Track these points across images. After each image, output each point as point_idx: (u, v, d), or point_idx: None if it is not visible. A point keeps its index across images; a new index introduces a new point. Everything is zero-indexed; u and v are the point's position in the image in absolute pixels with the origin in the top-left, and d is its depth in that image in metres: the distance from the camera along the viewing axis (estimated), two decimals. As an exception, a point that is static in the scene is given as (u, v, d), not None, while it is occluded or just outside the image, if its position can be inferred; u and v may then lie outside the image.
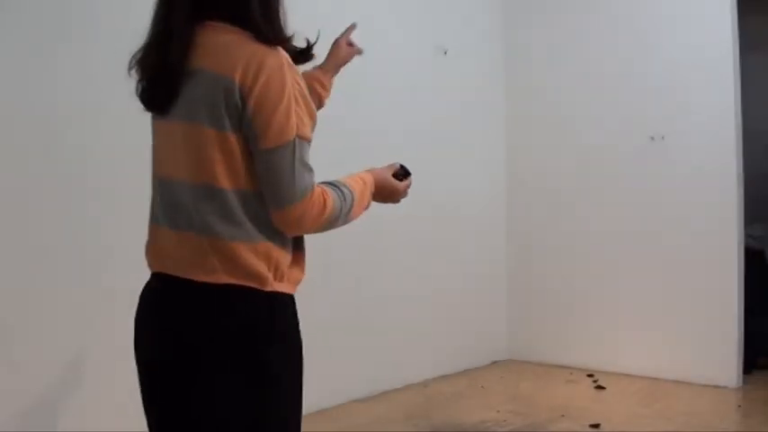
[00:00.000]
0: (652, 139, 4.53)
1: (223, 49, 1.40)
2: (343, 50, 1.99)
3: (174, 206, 1.44)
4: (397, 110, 4.45)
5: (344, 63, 2.00)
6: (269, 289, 1.43)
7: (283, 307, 1.48)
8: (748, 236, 4.52)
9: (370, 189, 1.61)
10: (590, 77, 4.80)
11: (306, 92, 1.44)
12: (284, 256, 1.47)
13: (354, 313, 4.17)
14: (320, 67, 1.92)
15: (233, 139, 1.39)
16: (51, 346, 2.99)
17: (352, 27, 2.05)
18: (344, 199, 1.50)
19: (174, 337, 1.42)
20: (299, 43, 1.54)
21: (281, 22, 1.47)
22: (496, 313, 5.17)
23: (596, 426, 3.63)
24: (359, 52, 2.03)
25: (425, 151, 4.62)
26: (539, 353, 5.04)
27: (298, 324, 1.53)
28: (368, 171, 1.65)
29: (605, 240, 4.75)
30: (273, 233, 1.44)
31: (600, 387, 4.38)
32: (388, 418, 3.84)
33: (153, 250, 1.50)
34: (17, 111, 2.93)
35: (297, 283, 1.52)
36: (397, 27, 4.49)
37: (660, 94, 4.50)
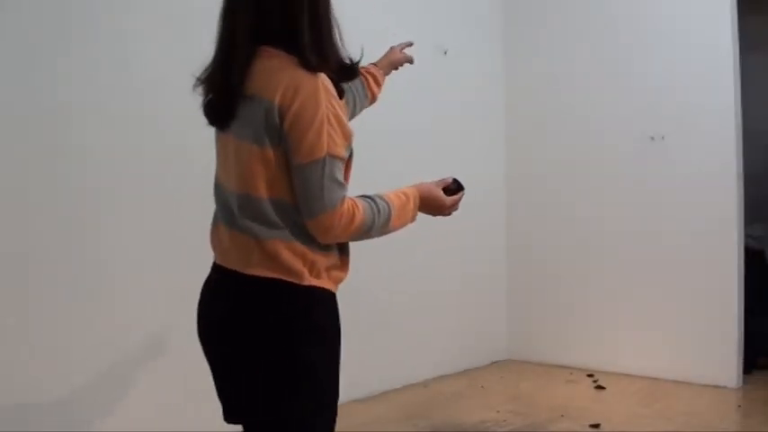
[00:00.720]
0: (652, 139, 4.53)
1: (268, 73, 1.56)
2: (398, 54, 2.34)
3: (226, 208, 1.65)
4: (397, 110, 4.45)
5: (397, 65, 2.34)
6: (306, 283, 1.59)
7: (321, 301, 1.64)
8: (748, 236, 4.52)
9: (413, 202, 1.74)
10: (590, 77, 4.81)
11: (341, 114, 1.57)
12: (322, 258, 1.62)
13: (354, 313, 4.15)
14: (375, 63, 2.21)
15: (271, 154, 1.55)
16: (51, 346, 2.99)
17: (409, 43, 2.47)
18: (378, 211, 1.64)
19: (221, 321, 1.64)
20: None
21: (334, 48, 1.65)
22: (496, 313, 5.18)
23: (596, 426, 3.63)
24: (410, 60, 2.38)
25: (425, 151, 4.63)
26: (539, 353, 5.04)
27: (337, 319, 1.72)
28: (415, 185, 1.78)
29: (605, 240, 4.75)
30: (310, 239, 1.59)
31: (600, 387, 4.38)
32: (388, 418, 3.84)
33: (214, 244, 1.71)
34: (18, 111, 2.93)
35: (338, 281, 1.69)
36: (397, 27, 4.48)
37: (660, 94, 4.50)
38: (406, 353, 4.47)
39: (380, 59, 2.22)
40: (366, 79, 2.14)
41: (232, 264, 1.63)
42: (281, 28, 1.59)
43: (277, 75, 1.55)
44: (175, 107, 2.80)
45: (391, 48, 2.29)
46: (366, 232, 1.63)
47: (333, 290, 1.68)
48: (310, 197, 1.54)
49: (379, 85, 2.18)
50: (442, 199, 1.79)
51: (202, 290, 1.74)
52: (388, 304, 4.36)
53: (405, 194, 1.73)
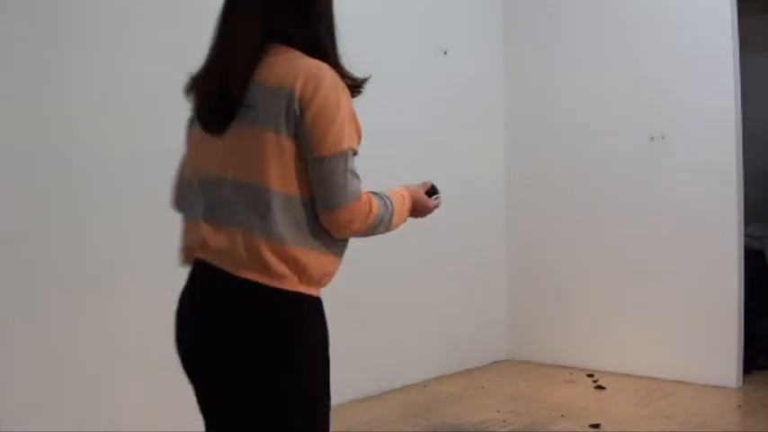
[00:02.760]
0: (652, 139, 4.53)
1: (283, 62, 1.51)
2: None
3: (218, 205, 1.54)
4: (397, 110, 4.45)
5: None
6: (299, 290, 1.53)
7: (314, 309, 1.58)
8: (748, 236, 4.53)
9: (408, 204, 1.73)
10: (590, 77, 4.81)
11: (355, 113, 1.58)
12: (316, 263, 1.56)
13: (354, 313, 4.17)
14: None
15: (288, 144, 1.49)
16: (52, 345, 2.99)
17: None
18: (387, 208, 1.63)
19: (209, 327, 1.54)
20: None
21: (336, 49, 1.64)
22: (496, 313, 5.17)
23: (596, 426, 3.63)
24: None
25: (425, 151, 4.62)
26: (539, 353, 5.04)
27: (327, 327, 1.62)
28: (405, 187, 1.77)
29: (605, 240, 4.75)
30: (314, 236, 1.54)
31: (600, 387, 4.38)
32: (388, 418, 3.84)
33: (192, 243, 1.60)
34: (21, 112, 2.93)
35: (321, 286, 1.62)
36: (397, 27, 4.49)
37: (660, 94, 4.50)
38: (406, 353, 4.47)
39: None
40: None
41: (224, 264, 1.52)
42: (290, 27, 1.56)
43: (295, 63, 1.51)
44: (177, 106, 2.79)
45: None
46: (376, 227, 1.62)
47: (319, 296, 1.61)
48: (332, 190, 1.50)
49: None
50: (428, 202, 1.81)
51: (183, 298, 1.63)
52: (388, 304, 4.36)
53: (401, 195, 1.72)
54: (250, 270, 1.49)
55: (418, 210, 1.79)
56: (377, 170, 4.56)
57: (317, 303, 1.59)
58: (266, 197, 1.49)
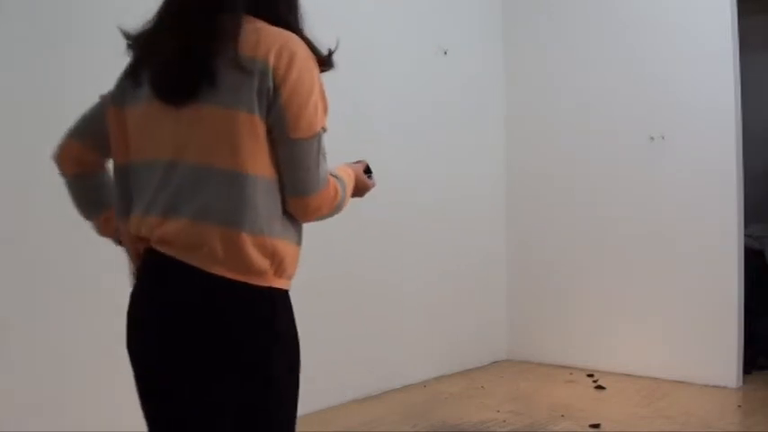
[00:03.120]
0: (652, 139, 4.53)
1: (253, 33, 1.39)
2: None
3: (179, 193, 1.39)
4: (397, 110, 4.45)
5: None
6: (271, 285, 1.42)
7: (285, 305, 1.48)
8: (748, 236, 4.53)
9: (353, 183, 1.64)
10: (590, 77, 4.80)
11: (324, 87, 1.46)
12: (292, 251, 1.47)
13: (354, 313, 4.17)
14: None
15: (260, 121, 1.37)
16: (51, 346, 2.99)
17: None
18: (343, 190, 1.54)
19: (170, 329, 1.41)
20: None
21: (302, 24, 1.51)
22: (496, 313, 5.17)
23: (596, 426, 3.63)
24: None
25: (425, 151, 4.63)
26: (539, 353, 5.04)
27: (294, 319, 1.51)
28: (347, 165, 1.68)
29: (605, 240, 4.75)
30: (285, 225, 1.45)
31: (600, 387, 4.38)
32: (388, 418, 3.83)
33: (144, 235, 1.44)
34: (21, 112, 2.93)
35: (291, 278, 1.51)
36: (397, 27, 4.49)
37: (660, 94, 4.50)
38: (406, 353, 4.47)
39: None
40: None
41: (192, 259, 1.38)
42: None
43: (265, 34, 1.39)
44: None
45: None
46: (337, 209, 1.53)
47: (288, 289, 1.49)
48: (305, 174, 1.41)
49: None
50: (367, 182, 1.72)
51: (138, 296, 1.48)
52: (388, 304, 4.36)
53: (348, 174, 1.61)
54: (226, 266, 1.37)
55: (359, 189, 1.70)
56: (377, 170, 4.56)
57: (286, 297, 1.48)
58: (241, 183, 1.37)
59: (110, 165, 1.62)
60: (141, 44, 1.48)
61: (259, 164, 1.38)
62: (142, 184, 1.45)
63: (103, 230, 1.69)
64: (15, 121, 2.93)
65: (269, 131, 1.39)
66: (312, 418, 3.79)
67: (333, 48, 1.53)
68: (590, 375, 4.61)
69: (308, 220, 1.49)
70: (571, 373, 4.70)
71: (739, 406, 3.97)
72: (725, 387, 4.23)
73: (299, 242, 1.51)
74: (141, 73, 1.45)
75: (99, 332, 3.10)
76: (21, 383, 2.90)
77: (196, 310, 1.38)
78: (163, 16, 1.46)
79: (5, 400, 2.83)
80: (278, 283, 1.44)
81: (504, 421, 3.77)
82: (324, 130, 1.45)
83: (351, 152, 4.49)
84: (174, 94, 1.39)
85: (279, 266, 1.43)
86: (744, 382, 4.28)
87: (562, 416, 3.83)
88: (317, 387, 3.92)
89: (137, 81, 1.46)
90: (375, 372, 4.28)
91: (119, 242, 1.61)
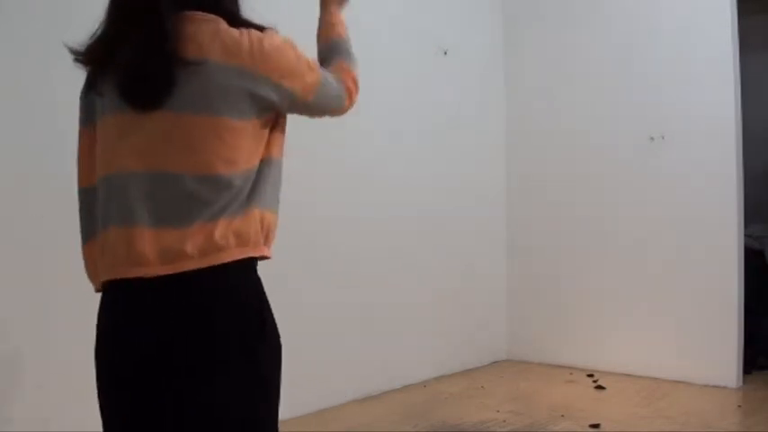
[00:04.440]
0: (652, 139, 4.53)
1: (214, 36, 1.35)
2: None
3: (152, 202, 1.35)
4: (397, 110, 4.45)
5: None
6: (256, 254, 1.41)
7: (260, 289, 1.44)
8: (748, 236, 4.53)
9: (340, 19, 1.83)
10: (590, 77, 4.81)
11: (278, 38, 1.44)
12: (273, 219, 1.47)
13: (354, 313, 4.17)
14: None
15: (240, 123, 1.36)
16: (51, 345, 2.99)
17: None
18: (349, 51, 1.74)
19: (162, 347, 1.37)
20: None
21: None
22: (496, 313, 5.18)
23: (596, 426, 3.63)
24: None
25: (425, 151, 4.63)
26: (539, 353, 5.04)
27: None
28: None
29: (605, 240, 4.75)
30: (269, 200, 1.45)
31: (600, 387, 4.38)
32: (388, 419, 3.83)
33: (112, 258, 1.39)
34: (21, 111, 2.93)
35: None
36: (397, 27, 4.49)
37: (660, 94, 4.50)
38: (406, 353, 4.47)
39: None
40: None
41: (175, 266, 1.33)
42: None
43: (226, 37, 1.35)
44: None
45: None
46: (354, 65, 1.71)
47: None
48: (333, 105, 1.58)
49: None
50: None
51: (108, 317, 1.46)
52: (388, 304, 4.36)
53: (339, 19, 1.82)
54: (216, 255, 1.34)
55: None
56: (377, 170, 4.57)
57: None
58: (220, 182, 1.34)
59: None
60: (95, 56, 1.43)
61: (239, 162, 1.37)
62: (114, 199, 1.38)
63: None
64: (15, 121, 2.93)
65: (268, 119, 1.43)
66: (312, 418, 3.79)
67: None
68: (590, 375, 4.61)
69: (351, 107, 1.67)
70: (571, 373, 4.70)
71: (739, 406, 3.97)
72: (725, 387, 4.23)
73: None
74: (102, 84, 1.41)
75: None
76: (21, 383, 2.90)
77: (201, 318, 1.36)
78: (110, 23, 1.42)
79: (6, 399, 2.83)
80: (257, 252, 1.41)
81: (504, 421, 3.77)
82: (314, 61, 1.53)
83: (350, 152, 4.50)
84: (145, 99, 1.35)
85: (266, 237, 1.44)
86: (744, 382, 4.28)
87: (562, 416, 3.83)
88: (317, 387, 3.93)
89: (99, 93, 1.42)
90: (375, 372, 4.28)
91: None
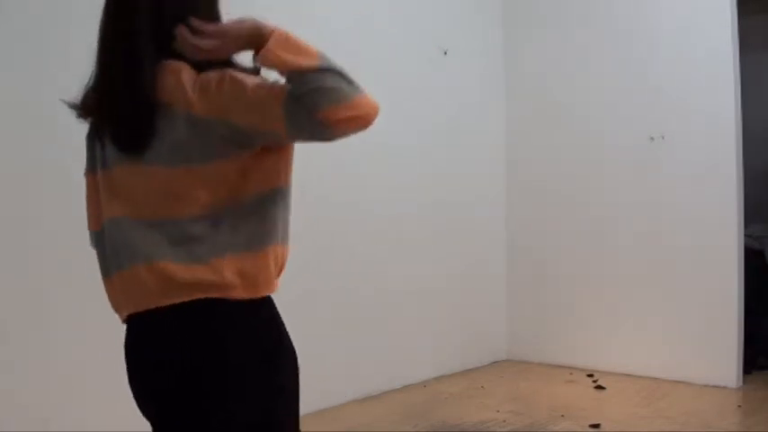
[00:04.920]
0: (652, 139, 4.53)
1: (176, 82, 1.36)
2: None
3: (151, 243, 1.39)
4: (397, 110, 4.45)
5: None
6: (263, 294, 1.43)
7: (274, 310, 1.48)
8: (748, 236, 4.52)
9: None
10: (590, 78, 4.81)
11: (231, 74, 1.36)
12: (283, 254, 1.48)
13: (354, 313, 4.17)
14: None
15: (222, 166, 1.36)
16: (52, 345, 2.99)
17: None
18: (344, 72, 1.32)
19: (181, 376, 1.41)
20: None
21: None
22: (496, 313, 5.18)
23: (596, 426, 3.63)
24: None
25: (425, 151, 4.63)
26: (539, 353, 5.04)
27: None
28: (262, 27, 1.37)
29: (605, 240, 4.75)
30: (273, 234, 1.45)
31: (600, 387, 4.38)
32: (388, 419, 3.84)
33: (127, 296, 1.45)
34: (21, 111, 2.93)
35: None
36: (397, 27, 4.49)
37: (660, 94, 4.50)
38: (406, 353, 4.47)
39: None
40: None
41: (184, 296, 1.37)
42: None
43: (183, 82, 1.35)
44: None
45: None
46: (349, 91, 1.30)
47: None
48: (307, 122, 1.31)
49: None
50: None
51: (133, 349, 1.47)
52: (388, 304, 4.36)
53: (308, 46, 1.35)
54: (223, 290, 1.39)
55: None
56: (377, 170, 4.57)
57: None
58: (218, 222, 1.38)
59: None
60: (92, 108, 1.46)
61: (225, 199, 1.39)
62: (122, 241, 1.43)
63: None
64: (16, 122, 2.93)
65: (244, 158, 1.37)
66: (312, 417, 3.79)
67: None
68: (590, 375, 4.61)
69: (338, 130, 1.32)
70: (571, 373, 4.70)
71: (739, 406, 3.97)
72: (725, 387, 4.23)
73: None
74: (102, 136, 1.45)
75: (100, 332, 3.11)
76: (21, 383, 2.90)
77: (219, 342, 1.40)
78: (97, 73, 1.45)
79: (6, 399, 2.83)
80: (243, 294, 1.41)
81: (504, 421, 3.78)
82: (281, 86, 1.32)
83: (350, 152, 4.51)
84: (132, 148, 1.39)
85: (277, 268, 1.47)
86: (744, 382, 4.28)
87: (562, 416, 3.83)
88: (317, 387, 3.93)
89: (101, 143, 1.46)
90: (375, 372, 4.28)
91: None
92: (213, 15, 1.45)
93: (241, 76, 1.34)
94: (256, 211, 1.42)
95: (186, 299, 1.37)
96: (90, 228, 1.57)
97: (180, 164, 1.36)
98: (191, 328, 1.38)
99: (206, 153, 1.36)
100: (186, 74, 1.36)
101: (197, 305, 1.37)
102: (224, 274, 1.38)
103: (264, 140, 1.37)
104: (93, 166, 1.51)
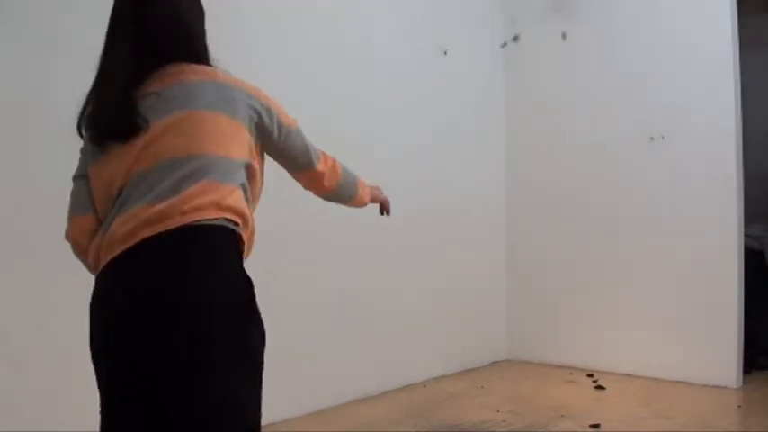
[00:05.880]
0: (652, 139, 4.53)
1: (205, 69, 1.70)
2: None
3: (169, 179, 1.59)
4: (397, 110, 4.45)
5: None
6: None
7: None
8: (748, 236, 4.52)
9: (367, 187, 2.15)
10: (590, 78, 4.81)
11: None
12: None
13: (354, 314, 4.17)
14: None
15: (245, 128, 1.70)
16: (51, 345, 2.99)
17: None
18: (347, 171, 2.05)
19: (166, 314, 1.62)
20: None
21: None
22: (496, 313, 5.18)
23: (596, 426, 3.63)
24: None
25: (425, 151, 4.63)
26: (539, 353, 5.04)
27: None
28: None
29: (605, 240, 4.75)
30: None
31: (600, 387, 4.38)
32: (388, 418, 3.83)
33: (124, 232, 1.60)
34: (21, 111, 2.93)
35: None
36: (397, 27, 4.49)
37: (660, 94, 4.50)
38: (406, 353, 4.48)
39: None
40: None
41: (180, 221, 1.56)
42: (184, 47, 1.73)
43: (216, 72, 1.70)
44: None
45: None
46: (346, 184, 2.05)
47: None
48: (307, 151, 1.94)
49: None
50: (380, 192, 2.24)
51: (110, 294, 1.64)
52: (388, 304, 4.36)
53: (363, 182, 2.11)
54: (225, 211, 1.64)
55: (375, 195, 2.18)
56: (377, 170, 4.57)
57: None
58: (233, 165, 1.66)
59: None
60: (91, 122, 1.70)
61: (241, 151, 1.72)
62: (143, 184, 1.63)
63: None
64: (16, 122, 2.93)
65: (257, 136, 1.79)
66: (312, 418, 3.79)
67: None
68: (590, 375, 4.61)
69: (320, 185, 2.08)
70: (571, 373, 4.70)
71: (739, 406, 3.97)
72: (725, 387, 4.23)
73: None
74: (105, 142, 1.66)
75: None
76: (22, 384, 2.90)
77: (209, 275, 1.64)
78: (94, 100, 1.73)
79: (6, 399, 2.83)
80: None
81: (504, 421, 3.77)
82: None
83: (349, 152, 4.50)
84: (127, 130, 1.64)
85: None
86: (744, 382, 4.28)
87: (562, 416, 3.83)
88: (317, 387, 3.93)
89: (102, 147, 1.67)
90: (375, 372, 4.28)
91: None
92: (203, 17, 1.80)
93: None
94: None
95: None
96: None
97: (219, 111, 1.69)
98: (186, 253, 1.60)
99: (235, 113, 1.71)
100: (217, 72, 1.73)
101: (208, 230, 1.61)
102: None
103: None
104: (94, 159, 1.71)
